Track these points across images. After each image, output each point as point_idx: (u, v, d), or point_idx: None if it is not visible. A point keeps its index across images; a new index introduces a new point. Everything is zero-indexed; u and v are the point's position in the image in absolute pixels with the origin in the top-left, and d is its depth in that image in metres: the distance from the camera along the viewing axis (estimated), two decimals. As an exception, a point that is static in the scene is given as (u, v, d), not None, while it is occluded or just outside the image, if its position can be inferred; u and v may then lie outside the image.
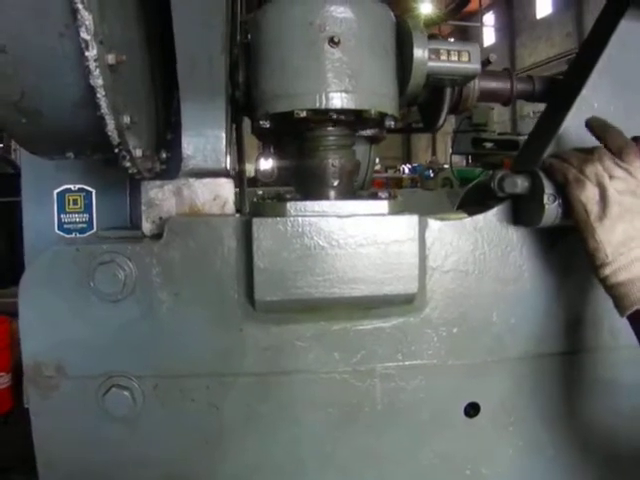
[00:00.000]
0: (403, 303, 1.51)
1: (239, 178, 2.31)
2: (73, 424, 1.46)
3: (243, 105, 1.57)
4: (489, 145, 9.00)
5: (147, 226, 1.48)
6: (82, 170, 1.88)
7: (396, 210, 1.47)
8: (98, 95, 1.11)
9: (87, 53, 1.05)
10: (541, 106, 1.87)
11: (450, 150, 10.13)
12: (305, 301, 1.43)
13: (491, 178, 1.50)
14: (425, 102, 1.71)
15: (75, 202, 1.90)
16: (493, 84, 1.78)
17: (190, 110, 1.49)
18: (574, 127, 1.61)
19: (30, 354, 1.42)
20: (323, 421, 1.53)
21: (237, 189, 1.80)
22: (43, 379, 1.42)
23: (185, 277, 1.43)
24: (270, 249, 1.39)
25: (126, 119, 1.22)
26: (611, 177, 1.33)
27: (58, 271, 1.40)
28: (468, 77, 1.61)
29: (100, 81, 1.09)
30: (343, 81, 1.40)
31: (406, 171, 23.12)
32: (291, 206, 1.41)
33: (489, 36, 35.40)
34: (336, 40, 1.38)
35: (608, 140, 1.40)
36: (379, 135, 1.68)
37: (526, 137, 1.98)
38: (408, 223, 1.44)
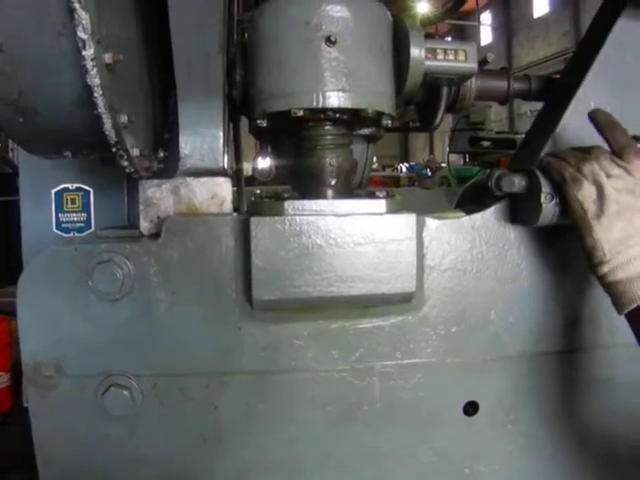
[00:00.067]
0: (401, 302, 1.51)
1: (237, 177, 2.31)
2: (72, 423, 1.46)
3: (240, 104, 1.57)
4: (486, 144, 9.02)
5: (145, 225, 1.48)
6: (80, 169, 1.88)
7: (394, 209, 1.47)
8: (95, 94, 1.11)
9: (84, 52, 1.05)
10: (538, 105, 1.88)
11: (447, 149, 10.14)
12: (303, 300, 1.43)
13: (489, 177, 1.50)
14: (422, 101, 1.71)
15: (73, 201, 1.91)
16: (490, 83, 1.78)
17: (187, 109, 1.49)
18: (571, 126, 1.61)
19: (29, 353, 1.42)
20: (322, 419, 1.53)
21: (235, 188, 1.80)
22: (42, 378, 1.42)
23: (183, 276, 1.43)
24: (268, 248, 1.39)
25: (123, 118, 1.22)
26: (608, 176, 1.33)
27: (56, 271, 1.40)
28: (465, 76, 1.62)
29: (97, 80, 1.09)
30: (340, 80, 1.40)
31: (404, 170, 23.09)
32: (289, 205, 1.41)
33: (486, 35, 35.45)
34: (333, 39, 1.38)
35: (610, 137, 1.41)
36: (376, 134, 1.68)
37: (523, 136, 1.99)
38: (406, 222, 1.44)
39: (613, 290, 1.33)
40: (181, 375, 1.46)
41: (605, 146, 1.42)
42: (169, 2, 1.42)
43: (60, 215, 1.90)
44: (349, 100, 1.41)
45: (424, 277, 1.53)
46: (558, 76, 1.86)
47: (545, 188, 1.41)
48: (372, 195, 1.51)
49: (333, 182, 1.51)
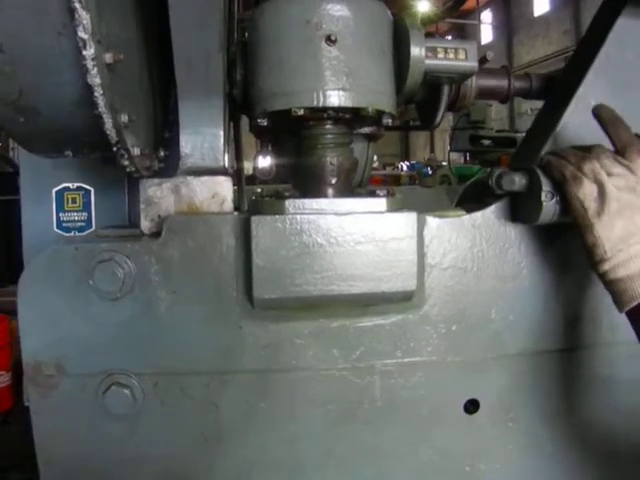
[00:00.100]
0: (402, 300, 1.51)
1: (237, 176, 2.31)
2: (73, 422, 1.46)
3: (241, 103, 1.57)
4: (487, 142, 9.01)
5: (146, 224, 1.48)
6: (81, 168, 1.88)
7: (394, 208, 1.47)
8: (96, 94, 1.11)
9: (85, 52, 1.06)
10: (539, 103, 1.88)
11: (448, 147, 10.13)
12: (304, 299, 1.43)
13: (489, 175, 1.50)
14: (422, 100, 1.71)
15: (74, 201, 1.91)
16: (490, 82, 1.79)
17: (188, 108, 1.49)
18: (571, 125, 1.61)
19: (30, 352, 1.42)
20: (322, 418, 1.53)
21: (235, 187, 1.80)
22: (43, 377, 1.42)
23: (184, 275, 1.43)
24: (269, 247, 1.39)
25: (124, 118, 1.23)
26: (609, 174, 1.33)
27: (57, 270, 1.40)
28: (465, 75, 1.62)
29: (98, 80, 1.09)
30: (340, 79, 1.40)
31: (404, 168, 23.08)
32: (289, 204, 1.41)
33: (486, 34, 35.44)
34: (333, 38, 1.38)
35: (613, 134, 1.41)
36: (377, 133, 1.68)
37: (524, 134, 1.99)
38: (406, 220, 1.44)
39: (614, 288, 1.33)
40: (182, 374, 1.47)
41: (606, 143, 1.42)
42: (169, 1, 1.42)
43: (61, 214, 1.91)
44: (349, 99, 1.41)
45: (425, 276, 1.53)
46: (559, 75, 1.85)
47: (545, 186, 1.41)
48: (373, 194, 1.51)
49: (334, 181, 1.51)
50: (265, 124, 1.47)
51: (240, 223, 1.42)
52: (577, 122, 1.61)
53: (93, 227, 1.92)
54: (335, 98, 1.40)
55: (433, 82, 1.60)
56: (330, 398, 1.52)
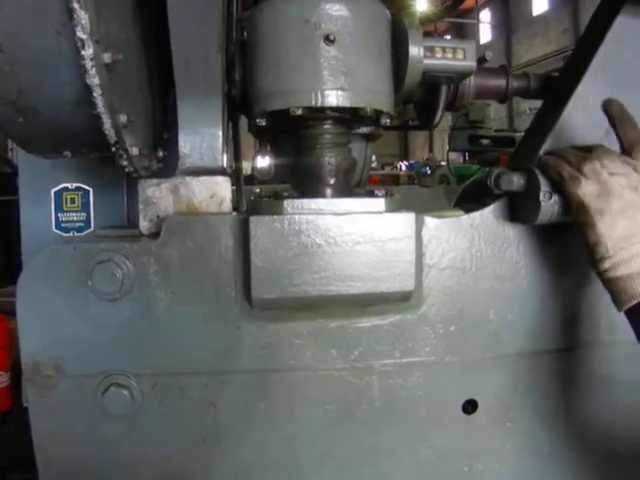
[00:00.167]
0: (400, 300, 1.51)
1: (236, 176, 2.31)
2: (72, 422, 1.46)
3: (239, 103, 1.57)
4: (486, 142, 9.02)
5: (144, 224, 1.48)
6: (79, 169, 1.88)
7: (393, 208, 1.47)
8: (94, 94, 1.11)
9: (83, 52, 1.06)
10: (538, 103, 1.88)
11: (447, 147, 10.13)
12: (302, 299, 1.43)
13: (487, 175, 1.50)
14: (421, 100, 1.71)
15: (72, 201, 1.91)
16: (489, 81, 1.78)
17: (186, 108, 1.49)
18: (570, 124, 1.61)
19: (29, 353, 1.42)
20: (321, 418, 1.53)
21: (234, 187, 1.80)
22: (42, 378, 1.42)
23: (183, 275, 1.43)
24: (267, 247, 1.39)
25: (123, 118, 1.22)
26: (612, 174, 1.33)
27: (56, 270, 1.40)
28: (464, 74, 1.62)
29: (96, 80, 1.09)
30: (339, 79, 1.40)
31: (403, 168, 23.07)
32: (288, 204, 1.41)
33: (485, 33, 35.44)
34: (331, 38, 1.38)
35: (621, 130, 1.41)
36: (375, 133, 1.68)
37: (522, 134, 1.99)
38: (405, 221, 1.44)
39: (613, 286, 1.33)
40: (180, 374, 1.47)
41: (606, 143, 1.42)
42: (168, 1, 1.42)
43: (60, 214, 1.91)
44: (348, 99, 1.41)
45: (423, 276, 1.53)
46: (557, 74, 1.85)
47: (544, 186, 1.42)
48: (371, 194, 1.51)
49: (332, 181, 1.51)
50: (264, 124, 1.47)
51: (239, 223, 1.42)
52: (576, 121, 1.61)
53: (92, 227, 1.92)
54: (333, 98, 1.40)
55: (431, 82, 1.60)
56: (328, 398, 1.52)
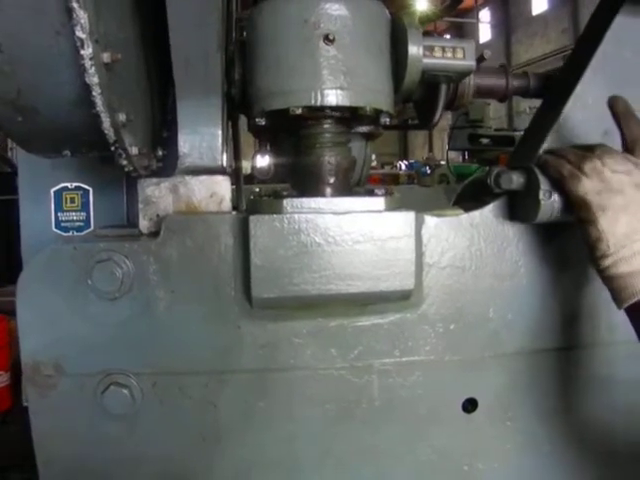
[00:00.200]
0: (400, 299, 1.51)
1: (235, 175, 2.31)
2: (72, 422, 1.46)
3: (239, 102, 1.57)
4: (485, 141, 9.02)
5: (144, 224, 1.48)
6: (79, 168, 1.88)
7: (392, 207, 1.47)
8: (94, 93, 1.11)
9: (82, 51, 1.06)
10: (537, 102, 1.88)
11: (447, 146, 10.13)
12: (302, 298, 1.43)
13: (487, 174, 1.50)
14: (420, 99, 1.71)
15: (72, 200, 1.91)
16: (488, 80, 1.78)
17: (186, 108, 1.49)
18: (569, 123, 1.61)
19: (29, 352, 1.42)
20: (320, 417, 1.53)
21: (234, 186, 1.80)
22: (42, 377, 1.42)
23: (182, 275, 1.43)
24: (267, 246, 1.39)
25: (122, 117, 1.23)
26: (613, 171, 1.33)
27: (56, 269, 1.40)
28: (463, 74, 1.62)
29: (96, 79, 1.09)
30: (338, 78, 1.40)
31: (403, 167, 23.05)
32: (287, 203, 1.41)
33: (485, 33, 35.39)
34: (331, 37, 1.38)
35: (625, 127, 1.41)
36: (375, 132, 1.68)
37: (522, 133, 1.99)
38: (404, 219, 1.44)
39: (614, 284, 1.33)
40: (180, 374, 1.47)
41: (606, 141, 1.42)
42: (167, 1, 1.42)
43: (59, 214, 1.91)
44: (347, 98, 1.41)
45: (423, 275, 1.53)
46: (557, 73, 1.85)
47: (543, 185, 1.41)
48: (371, 193, 1.51)
49: (332, 180, 1.51)
50: (263, 123, 1.47)
51: (238, 222, 1.42)
52: (575, 121, 1.61)
53: (92, 227, 1.92)
54: (333, 97, 1.40)
55: (431, 81, 1.60)
56: (328, 397, 1.53)
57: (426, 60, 1.51)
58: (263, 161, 1.77)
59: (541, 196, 1.41)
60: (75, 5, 1.02)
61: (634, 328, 1.33)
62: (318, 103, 1.40)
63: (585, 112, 1.60)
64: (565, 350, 1.64)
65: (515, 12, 32.97)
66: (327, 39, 1.38)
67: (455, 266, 1.55)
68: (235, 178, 2.29)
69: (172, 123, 1.57)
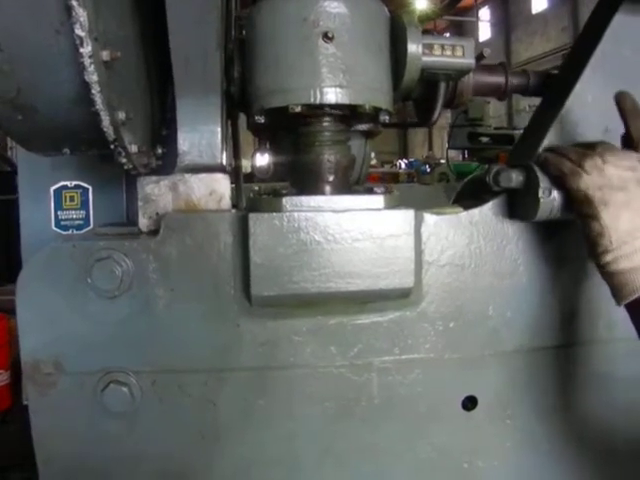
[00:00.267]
0: (399, 297, 1.51)
1: (235, 174, 2.31)
2: (72, 420, 1.46)
3: (238, 101, 1.57)
4: (485, 140, 9.02)
5: (144, 222, 1.48)
6: (79, 167, 1.88)
7: (392, 205, 1.47)
8: (93, 91, 1.11)
9: (82, 50, 1.06)
10: (537, 100, 1.88)
11: (446, 145, 10.14)
12: (301, 296, 1.43)
13: (486, 172, 1.50)
14: (420, 97, 1.71)
15: (72, 199, 1.91)
16: (488, 78, 1.78)
17: (185, 106, 1.49)
18: (569, 121, 1.61)
19: (28, 351, 1.42)
20: (320, 415, 1.53)
21: (233, 185, 1.80)
22: (41, 376, 1.42)
23: (182, 273, 1.43)
24: (266, 244, 1.39)
25: (121, 115, 1.23)
26: (615, 167, 1.32)
27: (55, 268, 1.40)
28: (462, 71, 1.62)
29: (95, 77, 1.09)
30: (337, 76, 1.40)
31: (403, 166, 23.06)
32: (287, 201, 1.41)
33: (485, 31, 35.37)
34: (330, 35, 1.38)
35: (632, 125, 1.41)
36: (374, 130, 1.68)
37: (522, 131, 1.99)
38: (404, 217, 1.44)
39: (615, 280, 1.33)
40: (180, 372, 1.47)
41: (606, 140, 1.42)
42: (167, -1, 1.42)
43: (59, 213, 1.91)
44: (346, 96, 1.41)
45: (422, 273, 1.53)
46: (556, 71, 1.85)
47: (543, 183, 1.41)
48: (370, 191, 1.51)
49: (331, 178, 1.52)
50: (262, 121, 1.47)
51: (238, 221, 1.42)
52: (575, 119, 1.61)
53: (91, 225, 1.92)
54: (332, 95, 1.40)
55: (430, 79, 1.60)
56: (328, 395, 1.53)
57: (425, 58, 1.51)
58: (263, 160, 1.77)
59: (540, 194, 1.41)
60: (74, 3, 1.02)
61: (634, 325, 1.33)
62: (317, 101, 1.40)
63: (585, 110, 1.60)
64: (564, 348, 1.64)
65: (515, 10, 32.95)
66: (326, 37, 1.39)
67: (454, 264, 1.55)
68: (235, 176, 2.29)
69: (171, 121, 1.57)
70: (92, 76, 1.09)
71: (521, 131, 2.03)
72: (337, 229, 1.41)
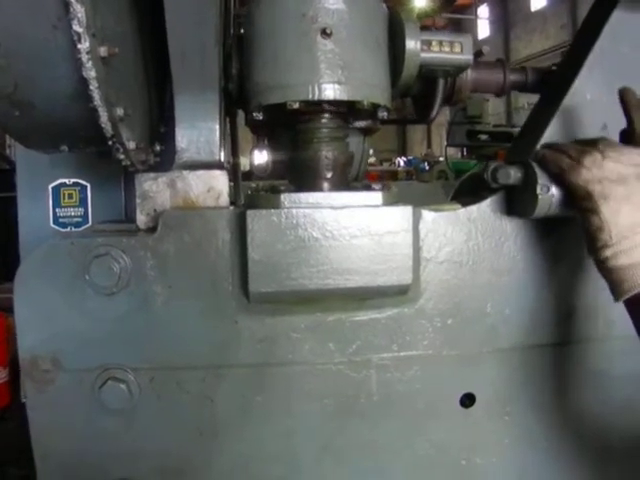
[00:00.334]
0: (397, 294, 1.51)
1: (233, 171, 2.31)
2: (70, 417, 1.46)
3: (237, 97, 1.57)
4: (484, 137, 9.01)
5: (142, 218, 1.48)
6: (77, 164, 1.88)
7: (390, 201, 1.47)
8: (91, 87, 1.11)
9: (79, 45, 1.06)
10: (535, 98, 1.88)
11: (445, 142, 10.14)
12: (299, 292, 1.43)
13: (484, 169, 1.50)
14: (418, 93, 1.71)
15: (70, 196, 1.91)
16: (486, 75, 1.78)
17: (183, 103, 1.49)
18: (567, 118, 1.61)
19: (27, 348, 1.42)
20: (319, 412, 1.53)
21: (232, 183, 1.80)
22: (39, 373, 1.42)
23: (180, 270, 1.43)
24: (264, 241, 1.39)
25: (119, 111, 1.23)
26: (615, 162, 1.32)
27: (53, 265, 1.40)
28: (461, 68, 1.62)
29: (93, 73, 1.09)
30: (335, 72, 1.40)
31: (401, 164, 23.07)
32: (285, 198, 1.41)
33: (483, 29, 35.37)
34: (328, 31, 1.38)
35: (636, 119, 1.41)
36: (372, 126, 1.68)
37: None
38: (402, 214, 1.44)
39: (613, 276, 1.32)
40: (178, 368, 1.47)
41: (606, 135, 1.42)
42: (165, -5, 1.42)
43: (57, 210, 1.91)
44: (345, 92, 1.41)
45: (420, 269, 1.53)
46: (554, 68, 1.85)
47: (541, 179, 1.41)
48: (368, 188, 1.51)
49: (329, 175, 1.52)
50: (260, 118, 1.47)
51: (236, 217, 1.42)
52: (573, 115, 1.61)
53: (90, 222, 1.92)
54: (330, 91, 1.40)
55: (429, 75, 1.60)
56: (326, 392, 1.53)
57: (424, 54, 1.51)
58: (261, 157, 1.77)
59: (538, 190, 1.41)
60: (72, -1, 1.02)
61: (632, 321, 1.33)
62: (315, 97, 1.40)
63: (583, 107, 1.60)
64: (562, 345, 1.64)
65: (514, 8, 32.95)
66: (324, 33, 1.38)
67: (453, 261, 1.55)
68: (233, 174, 2.29)
69: (170, 118, 1.57)
70: (90, 72, 1.09)
71: (520, 129, 2.03)
72: (335, 226, 1.41)
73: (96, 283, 1.39)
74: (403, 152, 36.85)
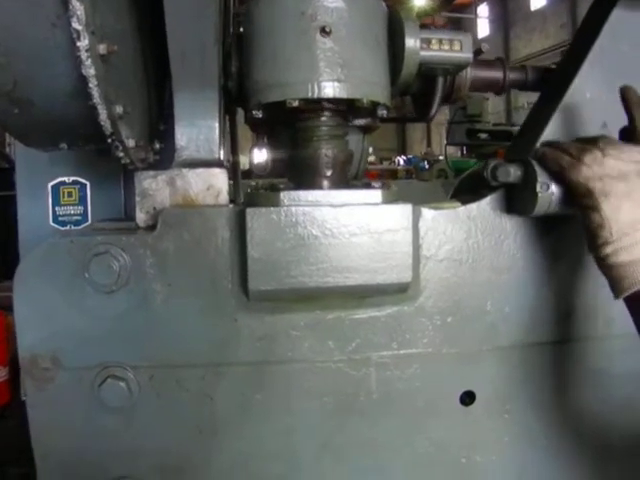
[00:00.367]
0: (397, 292, 1.51)
1: (233, 169, 2.31)
2: (69, 415, 1.46)
3: (236, 95, 1.57)
4: (484, 136, 9.00)
5: (141, 216, 1.48)
6: (76, 162, 1.88)
7: (390, 199, 1.47)
8: (90, 85, 1.11)
9: (79, 43, 1.06)
10: (535, 97, 1.88)
11: (445, 141, 10.13)
12: (299, 290, 1.43)
13: (484, 167, 1.50)
14: (418, 92, 1.71)
15: (70, 194, 1.91)
16: (486, 73, 1.78)
17: (183, 101, 1.49)
18: (567, 116, 1.61)
19: (26, 346, 1.42)
20: (318, 410, 1.53)
21: (232, 181, 1.80)
22: (39, 371, 1.42)
23: (179, 268, 1.43)
24: (264, 239, 1.39)
25: (119, 109, 1.23)
26: (616, 159, 1.32)
27: (53, 263, 1.40)
28: (460, 66, 1.62)
29: (92, 71, 1.09)
30: (335, 70, 1.40)
31: (401, 163, 23.08)
32: (284, 196, 1.41)
33: (483, 28, 35.36)
34: (327, 30, 1.38)
35: (637, 116, 1.41)
36: (372, 124, 1.68)
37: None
38: (402, 212, 1.44)
39: (614, 273, 1.32)
40: (177, 366, 1.47)
41: (606, 133, 1.42)
42: (164, -7, 1.42)
43: (57, 208, 1.91)
44: (344, 90, 1.41)
45: (420, 267, 1.53)
46: (554, 67, 1.85)
47: (541, 177, 1.41)
48: (368, 186, 1.51)
49: (329, 173, 1.51)
50: (260, 116, 1.47)
51: (235, 215, 1.42)
52: (573, 114, 1.61)
53: (89, 221, 1.92)
54: (330, 89, 1.40)
55: (428, 73, 1.60)
56: (326, 390, 1.53)
57: (423, 52, 1.51)
58: (260, 155, 1.77)
59: (538, 188, 1.41)
60: (71, -4, 1.02)
61: (633, 318, 1.33)
62: (315, 95, 1.40)
63: (583, 105, 1.60)
64: (562, 343, 1.64)
65: (514, 7, 32.94)
66: (324, 31, 1.38)
67: (452, 259, 1.55)
68: (232, 172, 2.29)
69: (169, 116, 1.57)
70: (89, 70, 1.09)
71: (519, 128, 2.03)
72: (335, 223, 1.41)
73: (96, 281, 1.39)
74: (403, 151, 36.85)
